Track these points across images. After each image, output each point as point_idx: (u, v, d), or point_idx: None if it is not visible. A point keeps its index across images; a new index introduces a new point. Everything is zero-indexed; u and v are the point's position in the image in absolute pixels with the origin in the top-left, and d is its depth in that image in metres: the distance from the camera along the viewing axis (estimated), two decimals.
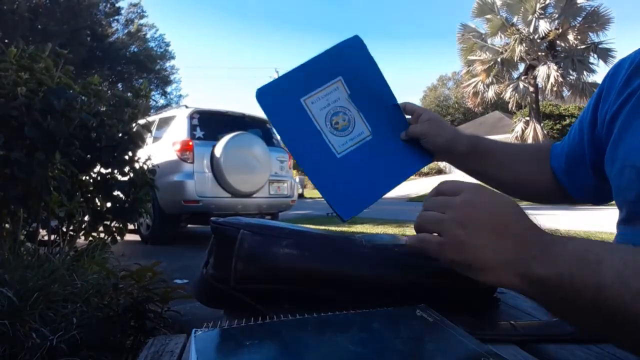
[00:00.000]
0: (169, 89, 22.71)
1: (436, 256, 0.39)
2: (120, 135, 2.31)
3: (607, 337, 0.37)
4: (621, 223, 0.55)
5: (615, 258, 0.33)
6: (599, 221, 5.31)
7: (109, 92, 2.52)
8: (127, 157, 2.38)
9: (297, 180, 9.56)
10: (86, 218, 2.46)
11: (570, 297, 0.34)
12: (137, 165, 2.46)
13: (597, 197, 0.68)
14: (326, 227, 5.75)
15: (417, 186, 17.50)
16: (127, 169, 2.42)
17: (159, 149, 4.71)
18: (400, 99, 0.75)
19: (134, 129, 2.40)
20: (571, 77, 13.09)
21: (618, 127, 0.55)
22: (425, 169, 21.69)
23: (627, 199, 0.52)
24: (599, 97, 0.64)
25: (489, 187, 0.43)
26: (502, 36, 13.73)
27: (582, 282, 0.33)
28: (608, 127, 0.59)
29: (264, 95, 0.65)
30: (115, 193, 2.44)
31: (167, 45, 22.31)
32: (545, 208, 4.44)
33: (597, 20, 12.65)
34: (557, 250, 0.36)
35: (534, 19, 12.87)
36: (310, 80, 0.67)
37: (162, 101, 21.82)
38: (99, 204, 2.48)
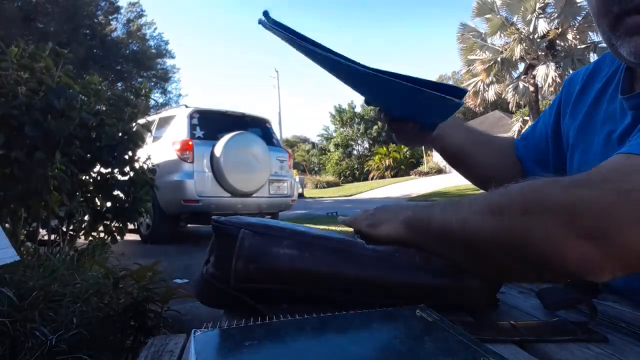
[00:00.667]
0: (168, 87, 22.71)
1: (353, 225, 0.55)
2: (120, 134, 2.31)
3: (448, 257, 0.47)
4: None
5: (445, 202, 0.48)
6: None
7: (109, 91, 2.52)
8: (127, 157, 2.38)
9: (297, 179, 9.56)
10: (86, 218, 2.46)
11: (420, 228, 0.47)
12: (137, 165, 2.46)
13: None
14: (326, 227, 5.76)
15: (417, 186, 17.53)
16: (127, 168, 2.42)
17: (158, 149, 4.72)
18: None
19: (134, 129, 2.40)
20: None
21: (572, 140, 0.64)
22: (425, 169, 21.70)
23: None
24: (559, 107, 0.70)
25: None
26: (502, 36, 13.72)
27: (425, 216, 0.48)
28: (567, 139, 0.67)
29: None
30: (115, 193, 2.44)
31: (167, 43, 22.32)
32: None
33: None
34: (421, 206, 0.50)
35: (534, 19, 12.86)
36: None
37: (161, 100, 21.82)
38: (99, 203, 2.48)
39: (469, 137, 0.81)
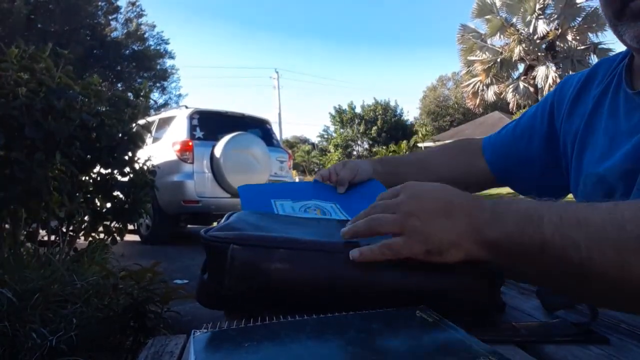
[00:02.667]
0: (168, 87, 22.67)
1: (401, 255, 0.40)
2: (120, 135, 2.31)
3: (564, 290, 0.40)
4: None
5: (552, 213, 0.36)
6: None
7: (109, 92, 2.53)
8: (127, 158, 2.38)
9: (297, 180, 9.56)
10: (86, 218, 2.46)
11: (522, 253, 0.37)
12: (137, 166, 2.46)
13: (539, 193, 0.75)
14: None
15: None
16: (127, 169, 2.42)
17: (158, 149, 4.72)
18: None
19: (134, 129, 2.40)
20: None
21: (577, 144, 0.64)
22: None
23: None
24: (552, 109, 0.71)
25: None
26: (502, 36, 13.74)
27: (529, 238, 0.36)
28: (571, 145, 0.66)
29: (244, 189, 0.75)
30: (115, 193, 2.44)
31: (167, 43, 22.30)
32: None
33: (596, 20, 12.65)
34: (502, 212, 0.39)
35: (533, 20, 12.88)
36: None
37: (161, 100, 21.80)
38: (99, 204, 2.48)
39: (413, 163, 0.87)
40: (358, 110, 29.00)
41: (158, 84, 21.94)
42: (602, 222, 0.34)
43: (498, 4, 13.43)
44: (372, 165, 0.83)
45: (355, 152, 28.52)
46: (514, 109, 14.79)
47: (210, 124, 5.31)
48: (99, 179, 2.40)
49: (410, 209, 0.41)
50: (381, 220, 0.42)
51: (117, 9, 20.41)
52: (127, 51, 20.84)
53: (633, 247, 0.32)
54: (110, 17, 20.38)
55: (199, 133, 5.16)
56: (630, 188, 0.53)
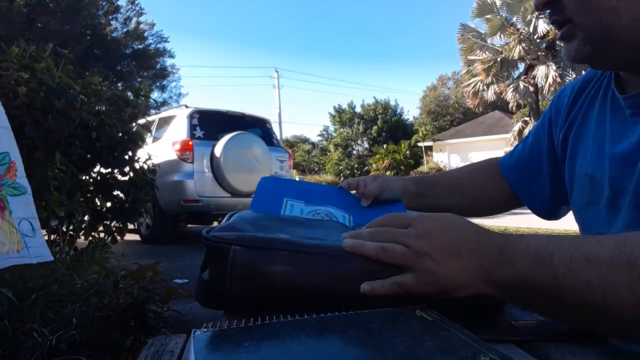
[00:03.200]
0: (168, 86, 22.63)
1: (411, 293, 0.41)
2: (120, 135, 2.31)
3: (582, 325, 0.40)
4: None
5: (563, 252, 0.37)
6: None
7: (109, 91, 2.52)
8: (127, 157, 2.38)
9: (297, 180, 9.55)
10: (86, 218, 2.46)
11: (535, 293, 0.38)
12: (137, 165, 2.46)
13: (550, 211, 0.78)
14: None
15: None
16: (127, 168, 2.42)
17: (158, 149, 4.72)
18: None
19: (134, 129, 2.40)
20: (570, 77, 13.09)
21: (570, 145, 0.65)
22: (425, 169, 21.68)
23: (579, 204, 0.62)
24: (550, 122, 0.73)
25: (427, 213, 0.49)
26: (502, 36, 13.72)
27: (541, 279, 0.37)
28: (562, 148, 0.68)
29: (265, 181, 0.76)
30: (115, 193, 2.44)
31: (166, 41, 22.26)
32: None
33: None
34: (511, 252, 0.39)
35: (534, 19, 12.86)
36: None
37: (161, 100, 21.77)
38: (99, 203, 2.48)
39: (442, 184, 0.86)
40: (358, 109, 28.99)
41: (158, 83, 21.93)
42: (613, 261, 0.34)
43: (498, 3, 13.42)
44: (404, 184, 0.83)
45: (355, 152, 28.52)
46: (514, 108, 14.78)
47: (210, 124, 5.30)
48: (99, 178, 2.40)
49: (422, 247, 0.41)
50: (392, 252, 0.42)
51: (117, 8, 20.40)
52: (127, 50, 20.83)
53: None
54: (110, 17, 20.36)
55: (199, 132, 5.16)
56: (617, 192, 0.54)
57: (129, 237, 3.20)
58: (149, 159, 2.59)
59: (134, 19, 20.94)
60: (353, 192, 0.81)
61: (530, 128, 0.87)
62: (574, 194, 0.65)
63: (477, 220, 0.57)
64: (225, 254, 0.44)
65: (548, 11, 0.54)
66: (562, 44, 0.56)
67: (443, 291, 0.41)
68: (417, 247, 0.41)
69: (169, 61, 24.53)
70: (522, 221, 6.29)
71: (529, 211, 0.80)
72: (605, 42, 0.49)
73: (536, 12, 12.68)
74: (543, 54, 13.43)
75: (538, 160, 0.76)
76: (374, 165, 21.47)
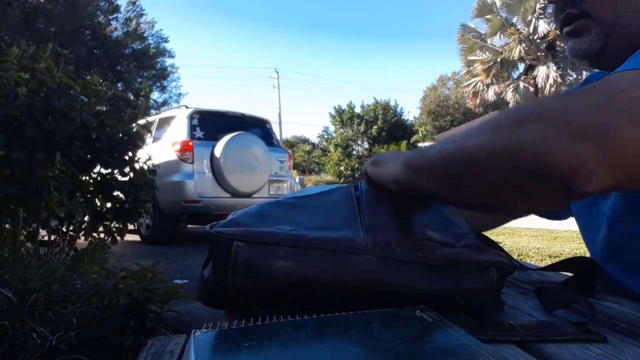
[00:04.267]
0: (168, 86, 22.60)
1: (365, 167, 0.59)
2: (120, 135, 2.31)
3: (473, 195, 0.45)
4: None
5: (440, 143, 0.46)
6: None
7: (109, 92, 2.52)
8: (127, 158, 2.38)
9: (297, 180, 9.56)
10: (86, 218, 2.46)
11: (430, 169, 0.47)
12: (137, 166, 2.46)
13: (554, 211, 0.80)
14: None
15: None
16: (127, 169, 2.42)
17: (158, 149, 4.72)
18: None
19: (134, 129, 2.40)
20: (570, 77, 13.09)
21: None
22: None
23: (579, 204, 0.66)
24: None
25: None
26: (502, 36, 13.73)
27: (425, 151, 0.48)
28: None
29: None
30: (115, 193, 2.44)
31: (166, 41, 22.24)
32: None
33: None
34: (419, 151, 0.51)
35: (534, 19, 12.86)
36: None
37: (161, 100, 21.76)
38: (99, 204, 2.48)
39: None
40: (358, 110, 28.99)
41: (158, 83, 21.92)
42: (465, 130, 0.43)
43: (498, 3, 13.41)
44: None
45: (355, 152, 28.51)
46: None
47: (210, 124, 5.30)
48: (99, 178, 2.40)
49: (373, 160, 0.60)
50: (363, 168, 0.62)
51: (117, 9, 20.40)
52: (127, 50, 20.83)
53: (492, 126, 0.39)
54: (110, 17, 20.36)
55: (199, 133, 5.16)
56: (617, 192, 0.55)
57: (129, 237, 3.20)
58: (149, 159, 2.59)
59: (135, 20, 20.95)
60: None
61: None
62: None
63: None
64: (228, 249, 0.44)
65: (553, 5, 0.54)
66: (565, 42, 0.57)
67: (378, 163, 0.57)
68: (371, 160, 0.59)
69: (168, 61, 24.54)
70: (522, 221, 6.28)
71: None
72: (619, 38, 0.50)
73: (536, 12, 12.70)
74: (543, 54, 13.43)
75: None
76: None
